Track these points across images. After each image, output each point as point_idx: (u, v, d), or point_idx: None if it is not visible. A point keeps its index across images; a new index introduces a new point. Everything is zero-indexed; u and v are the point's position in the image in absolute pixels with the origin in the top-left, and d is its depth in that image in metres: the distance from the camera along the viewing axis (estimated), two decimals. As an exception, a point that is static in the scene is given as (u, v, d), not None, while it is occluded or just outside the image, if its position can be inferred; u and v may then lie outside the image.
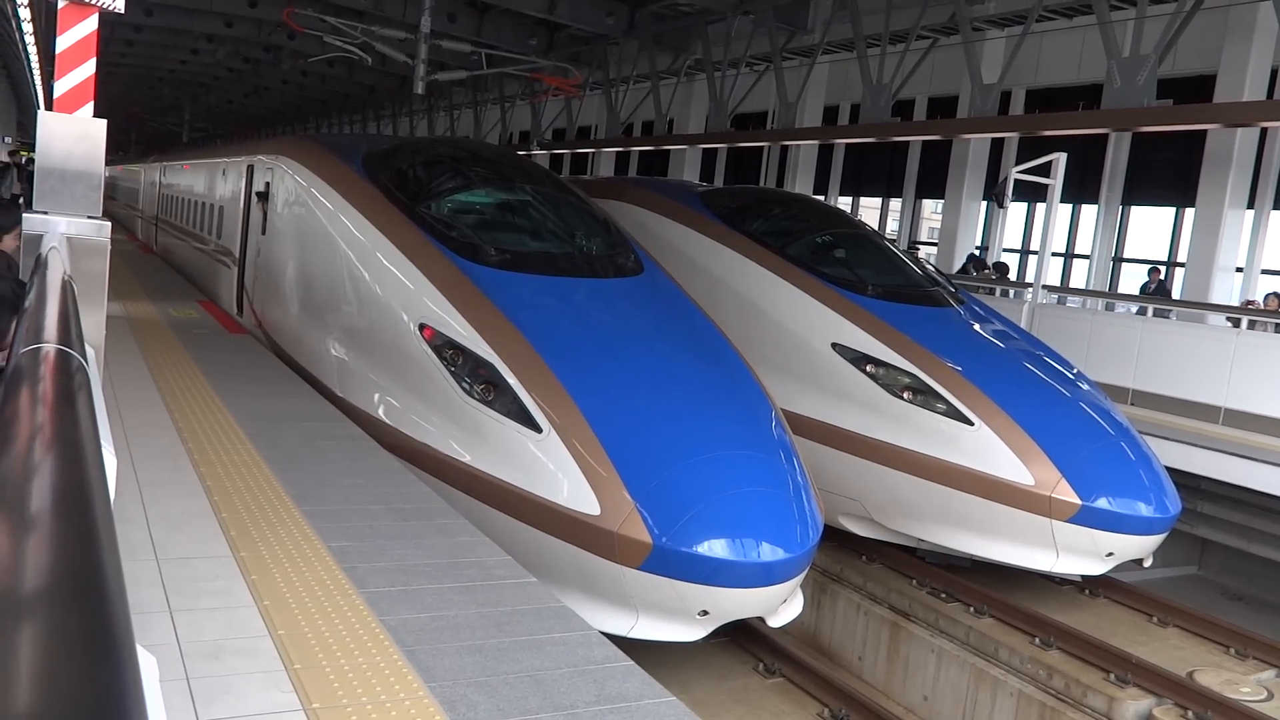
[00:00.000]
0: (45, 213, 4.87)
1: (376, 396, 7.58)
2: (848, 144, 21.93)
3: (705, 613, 6.05)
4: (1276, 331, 11.87)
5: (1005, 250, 19.30)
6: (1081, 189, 17.44)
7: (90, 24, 5.06)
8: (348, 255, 8.45)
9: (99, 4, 4.93)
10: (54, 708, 0.70)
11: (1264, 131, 14.54)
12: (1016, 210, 18.80)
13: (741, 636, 7.67)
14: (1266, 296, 14.09)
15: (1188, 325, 12.90)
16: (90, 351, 3.06)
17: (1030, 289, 13.57)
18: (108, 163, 5.43)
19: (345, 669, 3.56)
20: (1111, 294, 16.22)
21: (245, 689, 3.38)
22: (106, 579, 0.95)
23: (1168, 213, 17.01)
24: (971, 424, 8.31)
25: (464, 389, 6.84)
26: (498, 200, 9.19)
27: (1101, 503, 7.92)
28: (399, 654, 3.72)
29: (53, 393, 1.77)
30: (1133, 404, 11.74)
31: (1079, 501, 7.90)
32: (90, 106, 5.19)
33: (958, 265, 18.48)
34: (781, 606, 6.54)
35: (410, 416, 7.18)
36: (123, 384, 7.47)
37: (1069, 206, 18.08)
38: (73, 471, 1.22)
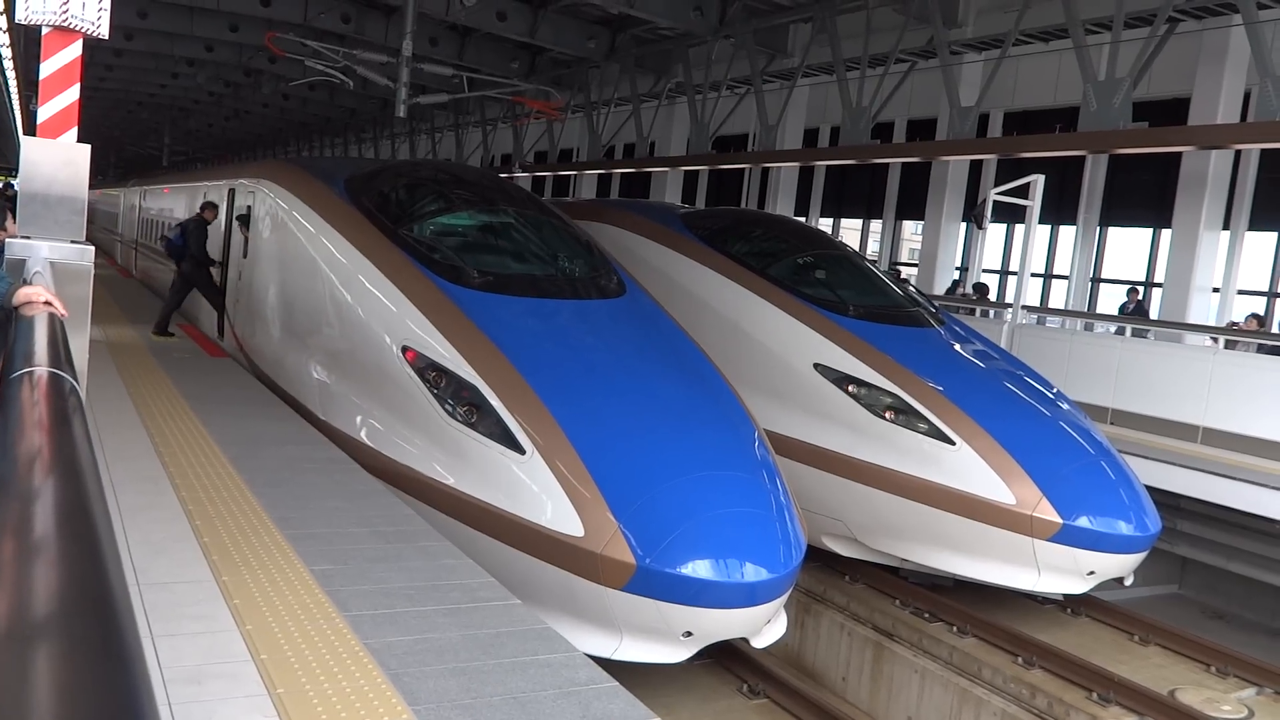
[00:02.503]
0: (28, 238, 4.87)
1: (359, 419, 7.57)
2: (828, 166, 22.07)
3: (689, 634, 6.05)
4: (1259, 352, 11.98)
5: (985, 271, 19.44)
6: (1059, 210, 17.59)
7: (74, 50, 5.06)
8: (330, 278, 8.45)
9: (83, 29, 4.94)
10: (78, 712, 0.73)
11: (1238, 153, 14.72)
12: (995, 231, 18.94)
13: (726, 658, 7.66)
14: (1247, 317, 14.23)
15: (1166, 345, 13.02)
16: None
17: (1010, 309, 13.67)
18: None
19: (329, 693, 3.55)
20: (1090, 314, 16.34)
21: (228, 714, 3.36)
22: (114, 590, 0.98)
23: (1145, 233, 17.17)
24: (953, 444, 8.35)
25: (447, 411, 6.83)
26: (480, 222, 9.20)
27: (1082, 521, 7.97)
28: (382, 677, 3.71)
29: (49, 415, 1.79)
30: (1112, 423, 11.82)
31: (1060, 520, 7.94)
32: (74, 132, 5.19)
33: (939, 286, 18.60)
34: (765, 627, 6.54)
35: (393, 439, 7.17)
36: (103, 407, 7.43)
37: (1047, 227, 18.22)
38: (75, 489, 1.25)
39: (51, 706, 0.73)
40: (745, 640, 6.56)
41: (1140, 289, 16.25)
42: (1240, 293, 15.58)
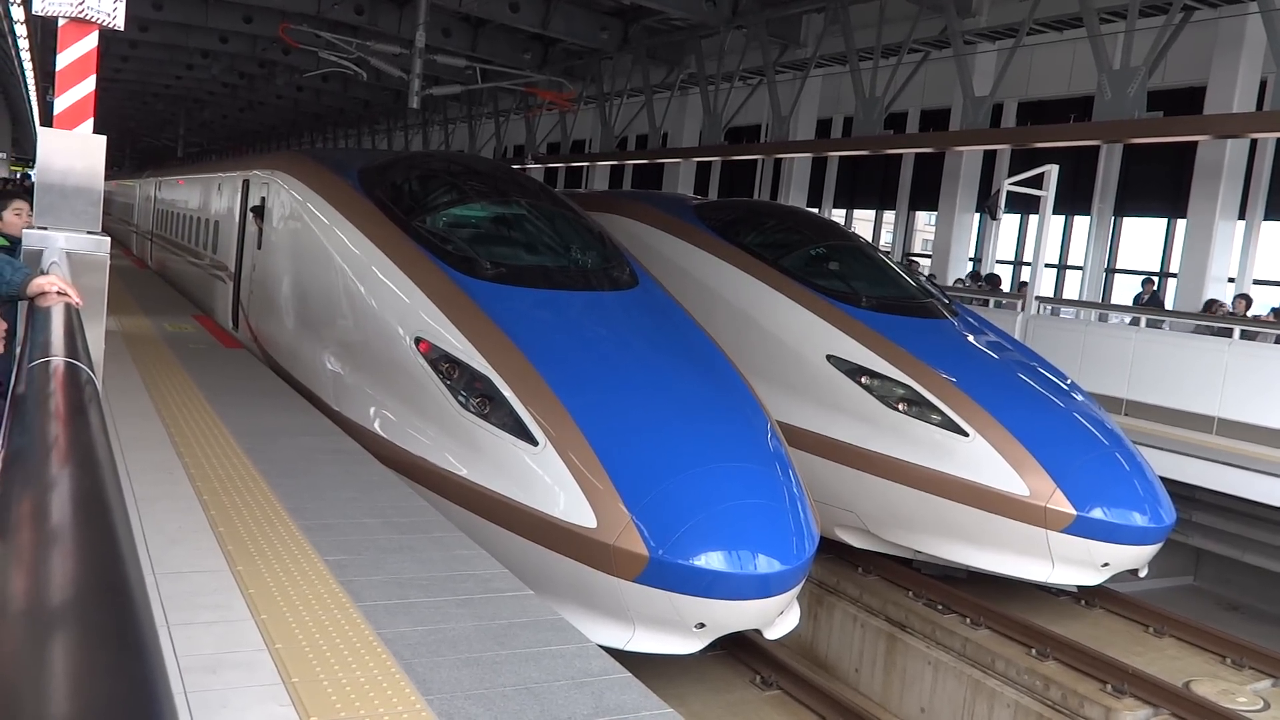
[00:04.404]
0: (45, 228, 4.89)
1: (372, 410, 7.59)
2: (841, 156, 22.00)
3: (702, 625, 6.06)
4: (1277, 342, 11.91)
5: (999, 262, 19.37)
6: (1074, 200, 17.51)
7: (90, 41, 5.08)
8: (343, 269, 8.47)
9: (99, 21, 4.96)
10: (95, 699, 0.74)
11: (1254, 142, 14.62)
12: (1009, 222, 18.87)
13: (738, 649, 7.67)
14: (1234, 298, 14.17)
15: (1180, 335, 12.95)
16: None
17: (1023, 300, 13.61)
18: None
19: (343, 682, 3.56)
20: (1105, 305, 16.27)
21: (243, 703, 3.38)
22: (129, 577, 0.99)
23: (1160, 224, 17.08)
24: (966, 435, 8.33)
25: (460, 402, 6.85)
26: (493, 214, 9.21)
27: (1097, 513, 7.94)
28: (396, 667, 3.73)
29: (65, 404, 1.80)
30: (1126, 414, 11.78)
31: (1074, 512, 7.91)
32: (90, 123, 5.21)
33: (952, 277, 18.54)
34: (778, 619, 6.55)
35: (406, 430, 7.19)
36: (118, 398, 7.47)
37: (1061, 218, 18.14)
38: (92, 478, 1.26)
39: (68, 693, 0.74)
40: (758, 632, 6.56)
41: (1155, 279, 16.17)
42: (1256, 282, 15.48)
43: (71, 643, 0.82)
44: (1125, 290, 17.26)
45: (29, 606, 0.89)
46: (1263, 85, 14.42)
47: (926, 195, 20.44)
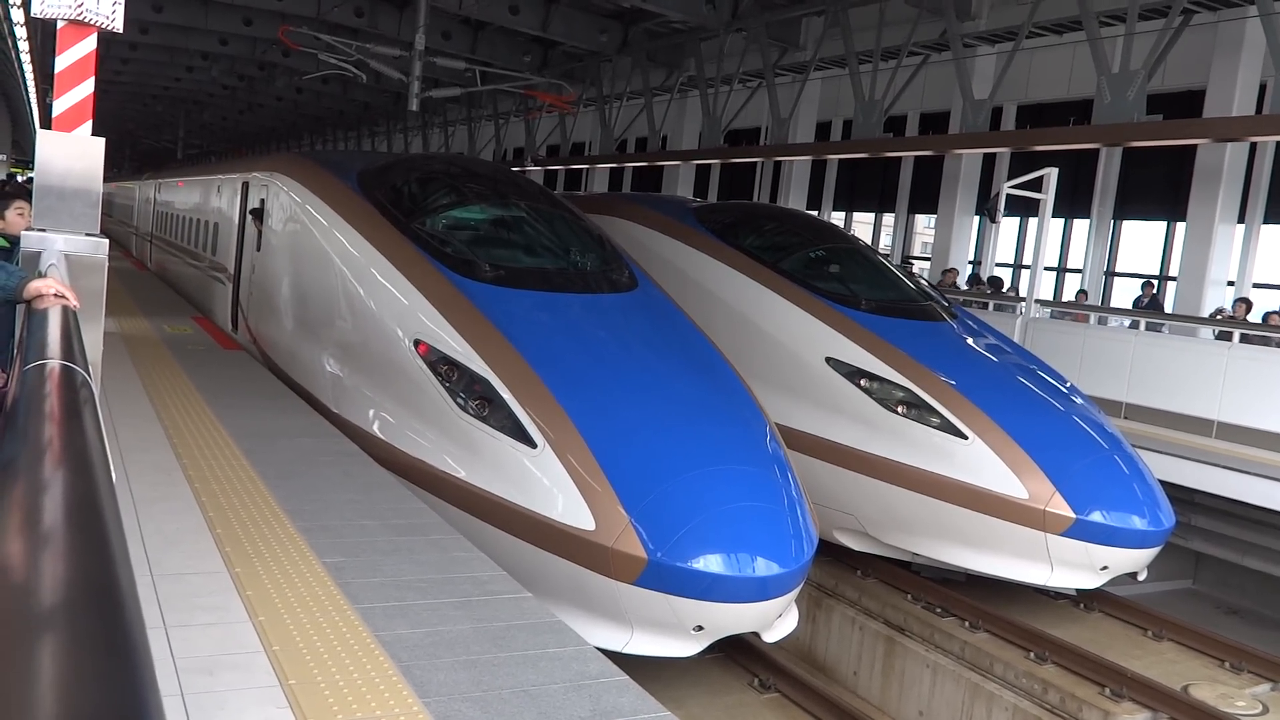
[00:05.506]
0: (43, 230, 4.89)
1: (371, 412, 7.59)
2: (840, 159, 22.01)
3: (700, 628, 6.05)
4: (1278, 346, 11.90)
5: (998, 265, 19.36)
6: (1073, 204, 17.51)
7: (89, 43, 5.07)
8: (343, 271, 8.47)
9: (98, 23, 4.95)
10: (82, 706, 0.74)
11: (1253, 146, 14.62)
12: (1009, 225, 18.87)
13: (736, 652, 7.66)
14: (1234, 302, 14.18)
15: (1180, 339, 12.95)
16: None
17: (1023, 303, 13.61)
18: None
19: (340, 684, 3.56)
20: (1105, 308, 16.27)
21: (240, 704, 3.38)
22: (121, 585, 0.98)
23: (1159, 227, 17.08)
24: (965, 438, 8.33)
25: (459, 404, 6.85)
26: (492, 216, 9.21)
27: (1096, 516, 7.94)
28: (394, 669, 3.72)
29: (60, 407, 1.80)
30: (1126, 418, 11.77)
31: (1073, 515, 7.91)
32: (89, 125, 5.20)
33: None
34: (776, 621, 6.54)
35: (405, 432, 7.19)
36: (118, 400, 7.47)
37: (1061, 221, 18.15)
38: (84, 482, 1.25)
39: (54, 701, 0.73)
40: (756, 634, 6.56)
41: (1154, 283, 16.18)
42: (1255, 286, 15.49)
43: (60, 650, 0.82)
44: (1125, 293, 17.26)
45: (17, 612, 0.88)
46: (1262, 88, 14.44)
47: (926, 198, 20.44)
